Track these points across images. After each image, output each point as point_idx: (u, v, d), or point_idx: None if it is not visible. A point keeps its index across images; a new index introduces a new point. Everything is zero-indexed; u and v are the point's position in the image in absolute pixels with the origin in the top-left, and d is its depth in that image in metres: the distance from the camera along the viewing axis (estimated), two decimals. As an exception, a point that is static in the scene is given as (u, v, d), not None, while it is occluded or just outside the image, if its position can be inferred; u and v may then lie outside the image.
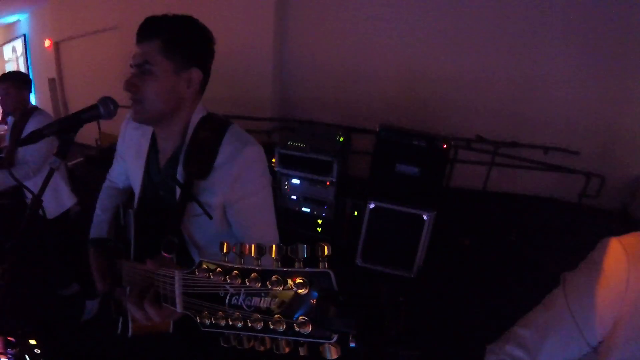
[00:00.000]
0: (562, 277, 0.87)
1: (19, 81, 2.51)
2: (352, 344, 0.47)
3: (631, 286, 0.73)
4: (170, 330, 0.99)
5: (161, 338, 1.07)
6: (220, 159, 1.10)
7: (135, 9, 5.06)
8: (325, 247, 0.50)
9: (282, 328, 0.50)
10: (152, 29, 1.07)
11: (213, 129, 1.14)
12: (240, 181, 1.10)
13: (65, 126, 1.01)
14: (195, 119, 1.15)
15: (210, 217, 1.11)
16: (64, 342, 2.36)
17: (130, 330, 1.08)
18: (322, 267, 0.50)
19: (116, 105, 1.04)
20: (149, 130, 1.23)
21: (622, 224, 3.84)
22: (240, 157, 1.09)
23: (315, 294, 0.49)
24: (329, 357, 0.48)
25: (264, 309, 0.53)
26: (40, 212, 1.03)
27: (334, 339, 0.47)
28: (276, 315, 0.51)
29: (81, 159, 5.11)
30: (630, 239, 0.79)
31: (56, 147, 1.02)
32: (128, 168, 1.34)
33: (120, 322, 1.17)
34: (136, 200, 1.28)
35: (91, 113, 1.03)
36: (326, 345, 0.48)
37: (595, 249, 0.82)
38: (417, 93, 4.31)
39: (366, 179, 3.36)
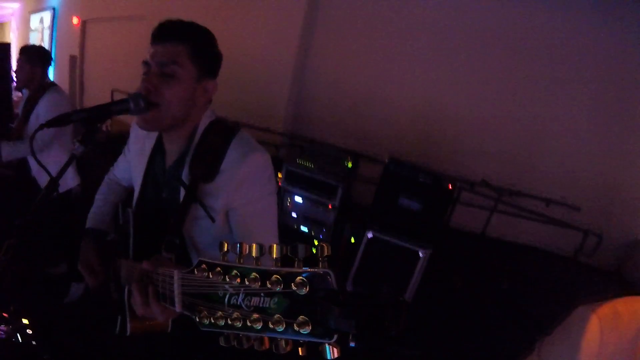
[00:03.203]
0: (537, 344, 0.90)
1: (34, 56, 2.52)
2: (352, 344, 0.47)
3: (603, 354, 0.77)
4: (169, 330, 0.98)
5: (160, 337, 1.06)
6: (226, 163, 1.10)
7: (165, 2, 5.14)
8: (325, 246, 0.50)
9: (281, 328, 0.50)
10: (181, 31, 1.07)
11: (221, 134, 1.14)
12: (244, 186, 1.10)
13: (93, 115, 1.01)
14: (204, 123, 1.16)
15: (213, 220, 1.11)
16: (60, 342, 2.34)
17: (128, 329, 1.07)
18: (322, 267, 0.49)
19: (146, 103, 1.03)
20: None
21: (616, 284, 3.84)
22: (246, 162, 1.09)
23: (316, 293, 0.49)
24: (329, 357, 0.48)
25: (263, 308, 0.52)
26: (55, 194, 1.03)
27: (334, 339, 0.47)
28: (276, 315, 0.51)
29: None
30: (605, 310, 0.81)
31: (72, 128, 1.02)
32: (132, 166, 1.34)
33: (118, 321, 1.16)
34: (135, 199, 1.28)
35: (121, 107, 1.02)
36: (326, 345, 0.47)
37: (570, 317, 0.85)
38: (429, 129, 4.34)
39: (368, 207, 3.36)
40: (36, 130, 1.01)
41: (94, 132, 1.01)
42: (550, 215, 4.00)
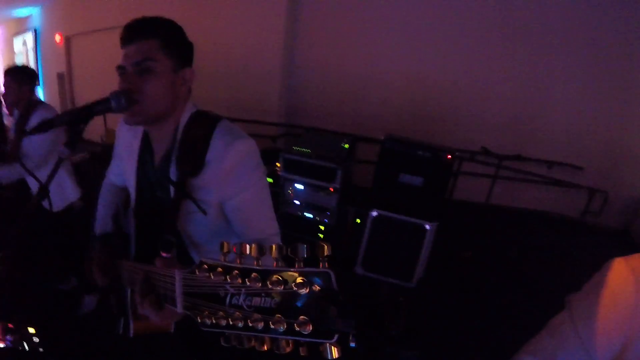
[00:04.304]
0: (567, 300, 0.84)
1: (20, 76, 2.51)
2: (352, 344, 0.47)
3: None
4: (172, 330, 0.99)
5: (162, 338, 1.07)
6: (210, 154, 1.09)
7: (147, 8, 5.10)
8: (325, 246, 0.50)
9: (282, 328, 0.50)
10: (150, 27, 1.07)
11: (203, 126, 1.14)
12: (232, 175, 1.10)
13: (76, 117, 1.00)
14: (185, 116, 1.16)
15: (205, 213, 1.11)
16: (64, 341, 2.36)
17: (131, 330, 1.08)
18: (323, 266, 0.50)
19: (127, 100, 1.03)
20: (140, 130, 1.23)
21: (623, 243, 3.82)
22: (231, 151, 1.09)
23: (316, 293, 0.49)
24: (329, 357, 0.48)
25: (264, 308, 0.53)
26: (47, 202, 1.02)
27: (335, 339, 0.47)
28: (277, 315, 0.51)
29: (86, 155, 5.14)
30: (637, 260, 0.76)
31: (65, 138, 1.01)
32: (124, 168, 1.34)
33: (121, 321, 1.17)
34: (133, 200, 1.28)
35: (103, 106, 1.02)
36: (327, 345, 0.48)
37: (601, 270, 0.80)
38: (424, 104, 4.32)
39: (369, 188, 3.36)
40: (21, 137, 1.00)
41: (79, 134, 1.00)
42: (554, 177, 3.99)
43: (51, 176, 0.99)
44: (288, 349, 0.51)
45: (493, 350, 2.38)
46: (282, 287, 0.51)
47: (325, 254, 0.50)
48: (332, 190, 3.52)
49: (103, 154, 5.24)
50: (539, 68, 3.95)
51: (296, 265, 0.51)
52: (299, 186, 3.62)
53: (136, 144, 1.24)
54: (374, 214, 3.09)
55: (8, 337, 1.21)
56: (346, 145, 3.70)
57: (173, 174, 1.13)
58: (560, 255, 3.53)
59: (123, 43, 1.07)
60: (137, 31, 1.06)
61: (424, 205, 3.08)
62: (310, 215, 3.66)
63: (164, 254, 0.92)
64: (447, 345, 2.53)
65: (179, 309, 0.70)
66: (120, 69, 1.07)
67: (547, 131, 4.06)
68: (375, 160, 3.34)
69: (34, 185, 2.58)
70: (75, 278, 2.84)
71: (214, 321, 0.58)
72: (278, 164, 3.59)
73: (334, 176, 3.47)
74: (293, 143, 3.67)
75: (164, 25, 1.10)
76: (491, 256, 3.67)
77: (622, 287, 0.74)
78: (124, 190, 1.49)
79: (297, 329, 0.49)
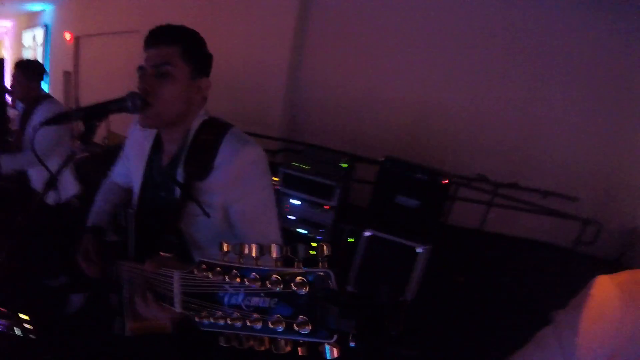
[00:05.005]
0: (553, 315, 0.84)
1: (29, 70, 2.53)
2: (352, 344, 0.47)
3: (626, 323, 0.71)
4: (170, 331, 0.99)
5: (160, 338, 1.07)
6: (219, 159, 1.12)
7: (158, 15, 5.17)
8: (325, 247, 0.51)
9: (281, 328, 0.50)
10: (172, 34, 1.11)
11: (213, 131, 1.17)
12: (239, 181, 1.12)
13: (92, 113, 1.03)
14: (197, 122, 1.19)
15: (208, 215, 1.12)
16: (58, 340, 2.33)
17: (126, 329, 1.08)
18: (322, 267, 0.50)
19: (143, 102, 1.06)
20: (152, 131, 1.26)
21: (616, 272, 3.81)
22: (239, 157, 1.11)
23: (315, 294, 0.49)
24: (328, 357, 0.48)
25: (263, 308, 0.53)
26: (54, 194, 1.04)
27: (334, 339, 0.47)
28: (276, 315, 0.51)
29: (87, 155, 5.12)
30: (623, 276, 0.77)
31: (71, 135, 1.03)
32: (130, 167, 1.36)
33: (117, 321, 1.17)
34: (136, 199, 1.29)
35: (119, 105, 1.05)
36: (326, 345, 0.48)
37: (587, 287, 0.80)
38: (424, 128, 4.35)
39: (365, 208, 3.36)
40: (20, 134, 1.02)
41: (93, 130, 1.03)
42: (549, 206, 4.01)
43: (62, 167, 1.02)
44: (287, 349, 0.52)
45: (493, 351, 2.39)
46: (281, 287, 0.51)
47: (325, 254, 0.51)
48: (327, 207, 3.52)
49: (104, 156, 5.24)
50: (537, 97, 3.99)
51: (296, 266, 0.52)
52: (296, 202, 3.62)
53: (147, 144, 1.26)
54: (367, 233, 3.09)
55: (1, 321, 1.19)
56: (345, 165, 3.73)
57: (180, 175, 1.15)
58: (553, 282, 3.54)
59: (146, 46, 1.11)
60: (160, 36, 1.10)
61: (418, 227, 3.08)
62: (305, 232, 3.64)
63: (163, 254, 0.94)
64: (447, 345, 2.50)
65: (178, 308, 0.70)
66: (141, 69, 1.10)
67: (544, 160, 4.09)
68: (373, 180, 3.36)
69: (34, 178, 2.58)
70: (65, 276, 2.82)
71: (212, 321, 0.58)
72: (276, 179, 3.60)
73: (331, 193, 3.48)
74: (292, 158, 3.69)
75: (187, 34, 1.14)
76: (484, 281, 3.66)
77: (606, 301, 0.74)
78: (126, 190, 1.51)
79: (296, 328, 0.49)
